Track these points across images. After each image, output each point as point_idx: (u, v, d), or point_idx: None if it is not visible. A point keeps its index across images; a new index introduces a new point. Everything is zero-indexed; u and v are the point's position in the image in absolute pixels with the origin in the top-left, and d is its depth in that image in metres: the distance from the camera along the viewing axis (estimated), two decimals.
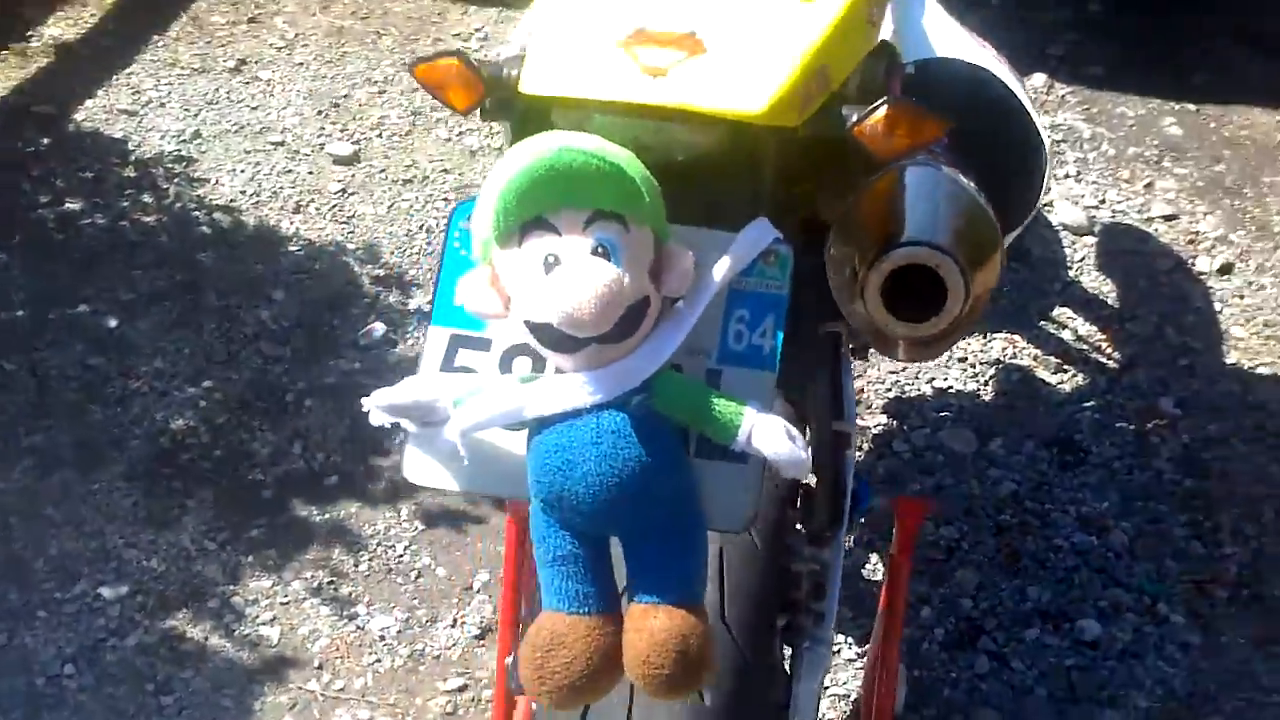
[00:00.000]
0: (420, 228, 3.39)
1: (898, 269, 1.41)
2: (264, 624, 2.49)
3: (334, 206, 3.47)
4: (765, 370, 1.34)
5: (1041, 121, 1.96)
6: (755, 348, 1.34)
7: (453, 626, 2.49)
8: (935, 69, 1.91)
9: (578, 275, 1.21)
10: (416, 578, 2.57)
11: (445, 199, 3.48)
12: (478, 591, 2.55)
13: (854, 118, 1.43)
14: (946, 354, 2.98)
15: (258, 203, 3.47)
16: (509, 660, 1.87)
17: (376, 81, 3.96)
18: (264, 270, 3.25)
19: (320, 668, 2.42)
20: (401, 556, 2.61)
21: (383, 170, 3.60)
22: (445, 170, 3.60)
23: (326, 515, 2.68)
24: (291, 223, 3.41)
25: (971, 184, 1.51)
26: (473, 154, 3.66)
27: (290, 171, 3.59)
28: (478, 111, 1.52)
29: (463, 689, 2.38)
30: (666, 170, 1.29)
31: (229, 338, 3.05)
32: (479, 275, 1.29)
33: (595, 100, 1.38)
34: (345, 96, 3.90)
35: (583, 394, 1.25)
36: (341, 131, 3.74)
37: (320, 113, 3.82)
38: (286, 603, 2.52)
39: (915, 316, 1.43)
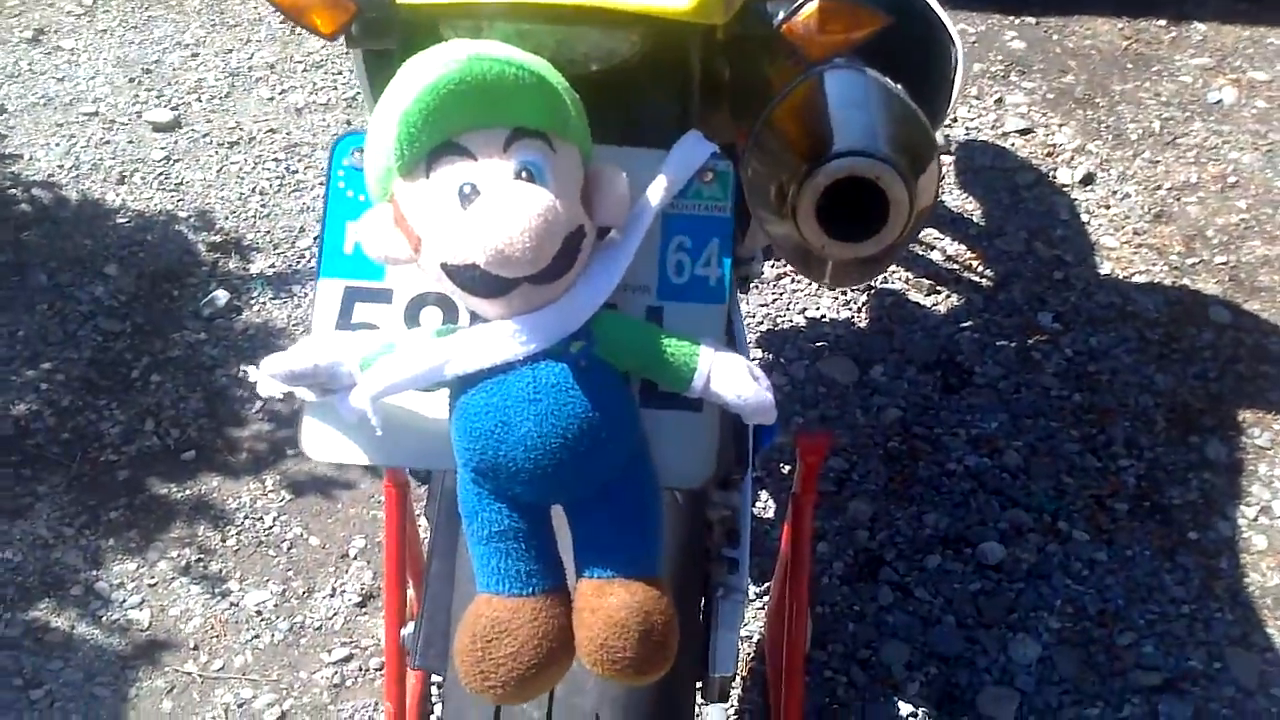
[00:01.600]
0: (253, 190, 3.27)
1: (833, 184, 1.28)
2: (132, 608, 2.38)
3: (160, 175, 3.33)
4: (714, 303, 1.21)
5: (948, 17, 1.90)
6: (700, 278, 1.21)
7: (332, 596, 2.40)
8: None
9: (505, 205, 1.04)
10: (289, 549, 2.48)
11: (275, 159, 3.36)
12: (354, 558, 2.46)
13: (780, 15, 1.32)
14: (815, 283, 2.94)
15: (78, 176, 3.32)
16: (405, 633, 1.79)
17: (188, 44, 3.82)
18: (93, 245, 3.10)
19: (196, 648, 2.32)
20: (271, 528, 2.51)
21: (206, 135, 3.47)
22: (271, 130, 3.48)
23: (187, 491, 2.57)
24: (117, 194, 3.27)
25: (899, 87, 1.41)
26: (298, 111, 3.54)
27: (109, 142, 3.44)
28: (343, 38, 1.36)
29: (348, 659, 2.30)
30: (579, 83, 1.15)
31: (64, 317, 2.91)
32: (379, 215, 1.12)
33: (498, 4, 1.24)
34: (156, 62, 3.74)
35: (514, 344, 1.10)
36: (158, 98, 3.60)
37: (132, 80, 3.66)
38: (154, 584, 2.42)
39: (854, 235, 1.31)
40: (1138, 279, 3.01)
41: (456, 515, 1.24)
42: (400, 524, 1.77)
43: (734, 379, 1.15)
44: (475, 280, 1.09)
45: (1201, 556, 2.44)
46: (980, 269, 3.04)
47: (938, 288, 2.99)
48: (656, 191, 1.19)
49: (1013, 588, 2.39)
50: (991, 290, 2.99)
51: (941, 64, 1.91)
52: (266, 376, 1.18)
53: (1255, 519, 2.50)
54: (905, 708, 2.22)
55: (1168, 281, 2.99)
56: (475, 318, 1.15)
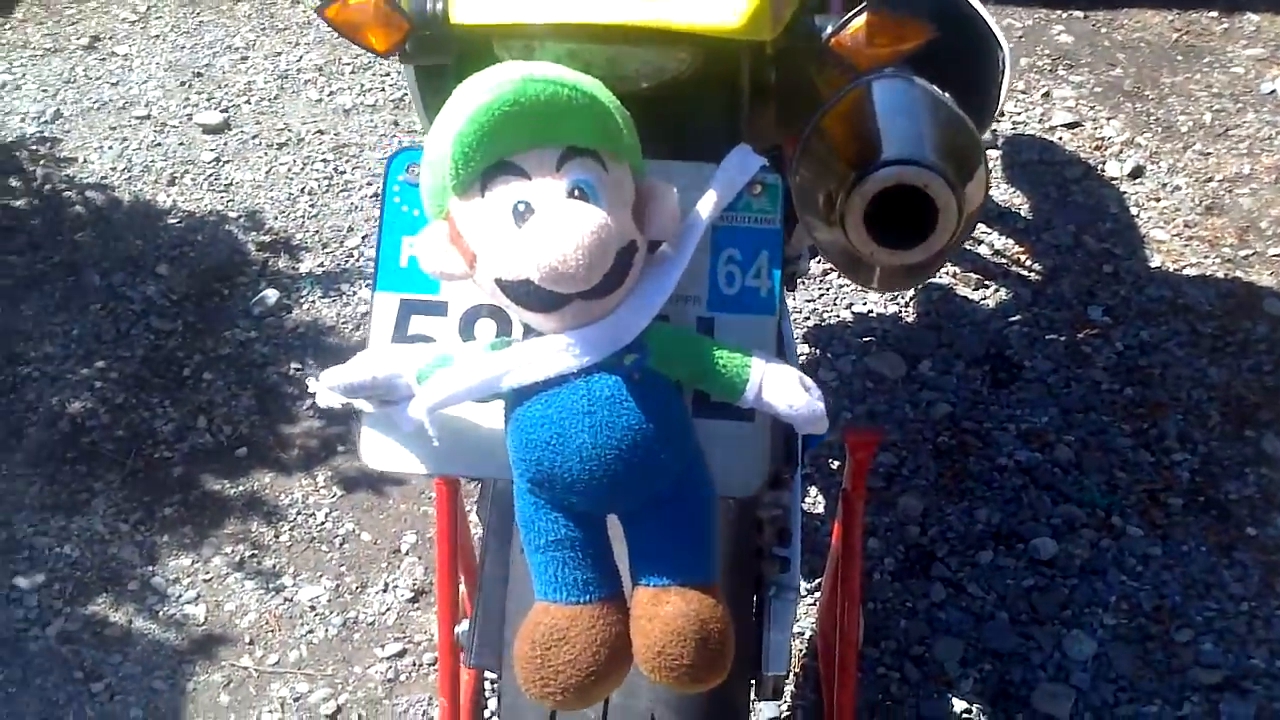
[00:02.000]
0: (302, 190, 3.29)
1: (881, 192, 1.29)
2: (188, 603, 2.39)
3: (210, 176, 3.35)
4: (764, 314, 1.23)
5: (994, 20, 1.90)
6: (750, 290, 1.23)
7: (385, 591, 2.41)
8: None
9: (558, 222, 1.06)
10: (341, 544, 2.49)
11: (324, 160, 3.38)
12: (406, 553, 2.47)
13: (828, 29, 1.34)
14: (864, 288, 2.91)
15: (130, 178, 3.35)
16: (459, 630, 1.79)
17: (238, 48, 3.84)
18: (145, 246, 3.13)
19: (251, 643, 2.34)
20: (323, 524, 2.52)
21: (255, 136, 3.49)
22: (319, 131, 3.50)
23: (240, 488, 2.58)
24: (168, 195, 3.29)
25: (946, 94, 1.41)
26: (346, 113, 3.56)
27: (160, 144, 3.47)
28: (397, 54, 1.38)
29: (402, 654, 2.31)
30: (629, 100, 1.16)
31: (117, 316, 2.94)
32: (435, 232, 1.14)
33: (549, 24, 1.26)
34: (207, 65, 3.77)
35: (568, 357, 1.12)
36: (208, 100, 3.63)
37: (183, 83, 3.69)
38: (209, 579, 2.43)
39: (902, 242, 1.32)
40: (1189, 272, 2.98)
41: (509, 515, 1.26)
42: (452, 521, 1.77)
43: (786, 390, 1.16)
44: (529, 295, 1.10)
45: (1260, 553, 2.41)
46: (1028, 263, 3.01)
47: (986, 282, 2.97)
48: (706, 205, 1.21)
49: (1066, 583, 2.37)
50: (1040, 284, 2.97)
51: (989, 67, 1.91)
52: (325, 389, 1.21)
53: None
54: (959, 704, 2.21)
55: (1220, 274, 2.97)
56: (529, 330, 1.17)
